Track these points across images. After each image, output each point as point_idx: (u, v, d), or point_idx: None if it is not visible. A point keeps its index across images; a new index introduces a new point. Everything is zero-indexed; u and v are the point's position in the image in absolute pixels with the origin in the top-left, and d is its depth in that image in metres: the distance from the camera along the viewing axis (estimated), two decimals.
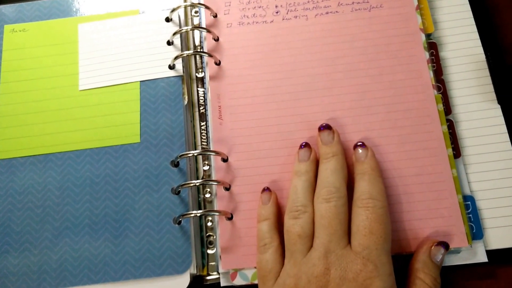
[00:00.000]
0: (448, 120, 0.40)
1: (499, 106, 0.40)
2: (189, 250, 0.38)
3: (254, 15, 0.43)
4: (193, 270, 0.37)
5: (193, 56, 0.44)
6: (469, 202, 0.38)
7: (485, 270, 0.37)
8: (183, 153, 0.38)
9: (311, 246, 0.33)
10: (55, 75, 0.43)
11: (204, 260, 0.39)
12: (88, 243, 0.38)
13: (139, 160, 0.40)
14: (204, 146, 0.41)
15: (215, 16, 0.44)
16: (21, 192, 0.40)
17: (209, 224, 0.39)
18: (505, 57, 0.44)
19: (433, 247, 0.34)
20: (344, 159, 0.36)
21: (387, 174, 0.38)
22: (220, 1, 0.44)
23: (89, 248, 0.38)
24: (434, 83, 0.40)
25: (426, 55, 0.41)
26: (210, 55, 0.42)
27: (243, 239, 0.37)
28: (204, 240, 0.39)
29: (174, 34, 0.42)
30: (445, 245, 0.34)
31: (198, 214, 0.37)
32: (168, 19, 0.44)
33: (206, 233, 0.39)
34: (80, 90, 0.43)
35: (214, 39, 0.43)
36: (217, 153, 0.39)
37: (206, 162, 0.40)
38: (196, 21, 0.45)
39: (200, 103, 0.42)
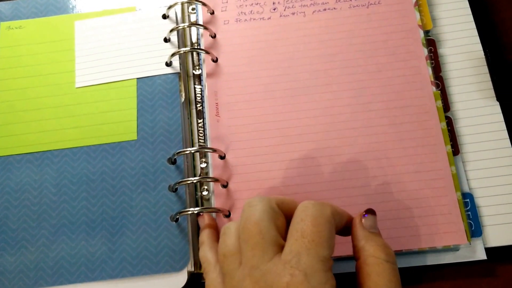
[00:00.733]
0: (446, 117, 0.39)
1: (498, 103, 0.39)
2: (187, 248, 0.37)
3: (251, 12, 0.42)
4: (190, 267, 0.36)
5: (190, 53, 0.43)
6: (468, 200, 0.37)
7: (484, 268, 0.36)
8: (180, 150, 0.38)
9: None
10: (51, 72, 0.42)
11: None
12: (85, 240, 0.38)
13: (136, 158, 0.39)
14: (201, 144, 0.40)
15: (212, 13, 0.43)
16: (18, 189, 0.39)
17: None
18: (504, 54, 0.43)
19: (363, 220, 0.30)
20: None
21: (385, 172, 0.37)
22: None
23: (86, 246, 0.37)
24: (432, 80, 0.39)
25: (425, 51, 0.40)
26: (207, 52, 0.41)
27: None
28: None
29: (171, 31, 0.42)
30: (371, 211, 0.30)
31: (196, 212, 0.36)
32: (165, 16, 0.43)
33: None
34: (77, 87, 0.42)
35: (211, 36, 0.42)
36: (214, 150, 0.38)
37: (204, 160, 0.40)
38: (193, 18, 0.44)
39: (197, 100, 0.41)
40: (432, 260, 0.36)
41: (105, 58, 0.42)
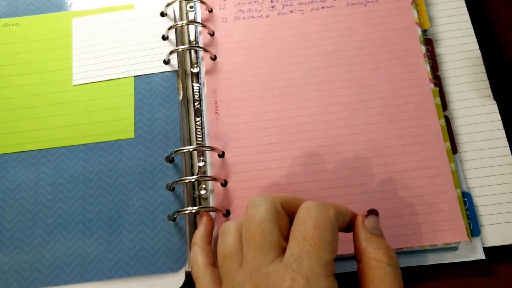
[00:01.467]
0: (444, 116, 0.38)
1: (495, 102, 0.39)
2: (184, 248, 0.36)
3: (249, 10, 0.41)
4: (188, 268, 0.35)
5: (188, 51, 0.42)
6: (466, 199, 0.36)
7: (482, 267, 0.36)
8: (178, 148, 0.37)
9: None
10: (48, 69, 0.41)
11: None
12: (81, 240, 0.36)
13: (133, 156, 0.38)
14: (199, 142, 0.39)
15: (211, 11, 0.42)
16: (13, 188, 0.38)
17: None
18: (501, 53, 0.42)
19: (365, 220, 0.29)
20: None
21: (385, 169, 0.36)
22: None
23: (82, 246, 0.36)
24: (430, 78, 0.38)
25: (423, 49, 0.39)
26: (205, 50, 0.40)
27: None
28: None
29: (169, 28, 0.41)
30: (373, 212, 0.29)
31: (193, 211, 0.35)
32: (163, 14, 0.42)
33: None
34: (74, 85, 0.41)
35: (210, 34, 0.41)
36: (213, 148, 0.37)
37: (201, 158, 0.38)
38: (191, 16, 0.43)
39: (195, 98, 0.40)
40: (431, 259, 0.35)
41: (102, 55, 0.41)
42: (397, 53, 0.39)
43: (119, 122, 0.39)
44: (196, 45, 0.41)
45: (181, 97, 0.40)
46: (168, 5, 0.41)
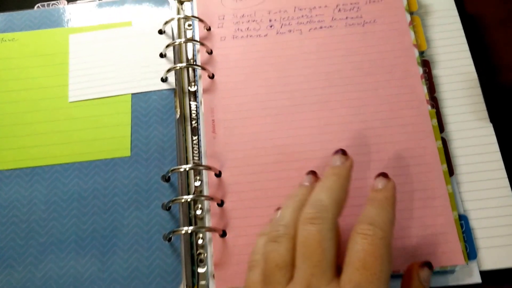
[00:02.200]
0: (441, 138, 0.40)
1: (491, 124, 0.40)
2: (179, 268, 0.36)
3: (248, 29, 0.43)
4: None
5: (186, 69, 0.43)
6: (463, 221, 0.37)
7: None
8: (175, 167, 0.38)
9: (292, 276, 0.29)
10: (44, 86, 0.42)
11: (194, 278, 0.37)
12: (74, 260, 0.37)
13: (129, 175, 0.39)
14: (196, 161, 0.40)
15: (209, 29, 0.43)
16: (6, 206, 0.39)
17: (200, 241, 0.38)
18: (497, 75, 0.44)
19: (420, 271, 0.31)
20: (347, 184, 0.32)
21: None
22: (214, 14, 0.44)
23: (75, 265, 0.37)
24: (427, 99, 0.40)
25: (420, 70, 0.41)
26: (203, 68, 0.41)
27: (237, 256, 0.36)
28: (195, 258, 0.38)
29: (167, 46, 0.42)
30: (429, 265, 0.32)
31: (189, 231, 0.36)
32: (161, 32, 0.44)
33: (197, 250, 0.38)
34: (70, 102, 0.42)
35: (208, 52, 0.42)
36: (209, 168, 0.38)
37: (198, 178, 0.40)
38: (189, 34, 0.45)
39: (192, 117, 0.42)
40: None
41: (99, 72, 0.42)
42: (395, 74, 0.41)
43: (115, 140, 0.40)
44: (194, 63, 0.43)
45: (178, 116, 0.41)
46: (166, 23, 0.43)
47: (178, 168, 0.38)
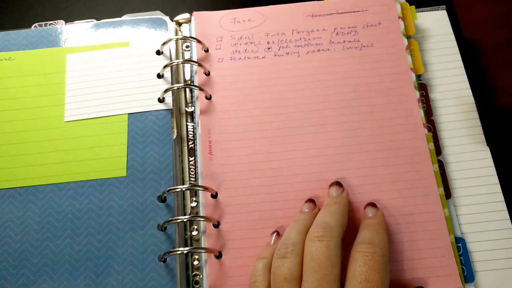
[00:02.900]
0: (438, 161, 0.41)
1: (488, 148, 0.42)
2: None
3: (245, 51, 0.45)
4: None
5: (183, 90, 0.45)
6: (460, 244, 0.39)
7: None
8: (171, 188, 0.39)
9: None
10: (40, 105, 0.44)
11: None
12: (68, 281, 0.38)
13: (125, 195, 0.41)
14: (192, 182, 0.42)
15: (207, 51, 0.45)
16: None
17: (196, 263, 0.39)
18: (493, 100, 0.46)
19: None
20: (346, 211, 0.37)
21: None
22: (212, 36, 0.46)
23: (68, 287, 0.38)
24: (424, 123, 0.42)
25: (417, 94, 0.43)
26: (200, 89, 0.43)
27: (232, 278, 0.37)
28: (190, 280, 0.39)
29: (165, 67, 0.44)
30: None
31: (185, 251, 0.37)
32: (158, 52, 0.45)
33: (192, 272, 0.39)
34: (66, 122, 0.43)
35: (205, 74, 0.44)
36: (206, 188, 0.39)
37: (194, 199, 0.41)
38: (187, 55, 0.47)
39: (189, 137, 0.43)
40: None
41: (96, 92, 0.44)
42: (392, 97, 0.43)
43: (111, 160, 0.42)
44: (192, 84, 0.45)
45: (175, 136, 0.43)
46: (164, 43, 0.45)
47: (174, 189, 0.39)
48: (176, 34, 0.47)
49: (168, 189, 0.39)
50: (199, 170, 0.41)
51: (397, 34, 0.45)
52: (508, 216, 0.40)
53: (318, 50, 0.45)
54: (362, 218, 0.37)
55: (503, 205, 0.40)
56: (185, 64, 0.46)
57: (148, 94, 0.44)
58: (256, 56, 0.45)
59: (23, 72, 0.45)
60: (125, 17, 0.48)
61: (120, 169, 0.41)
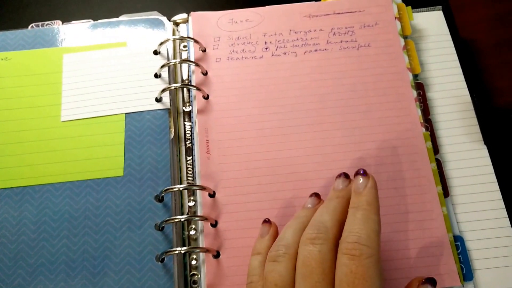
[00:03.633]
0: (436, 160, 0.41)
1: (485, 146, 0.42)
2: None
3: (243, 51, 0.45)
4: None
5: (180, 90, 0.45)
6: (459, 243, 0.39)
7: None
8: (168, 187, 0.39)
9: None
10: (36, 105, 0.44)
11: None
12: (64, 281, 0.38)
13: (122, 195, 0.40)
14: (189, 181, 0.42)
15: (204, 51, 0.45)
16: None
17: (194, 262, 0.39)
18: (490, 99, 0.46)
19: (420, 286, 0.31)
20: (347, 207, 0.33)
21: None
22: (209, 35, 0.46)
23: (65, 287, 0.38)
24: (422, 122, 0.42)
25: (414, 93, 0.43)
26: (198, 89, 0.43)
27: (230, 278, 0.37)
28: (188, 280, 0.39)
29: (162, 67, 0.44)
30: (432, 282, 0.31)
31: (183, 251, 0.37)
32: (156, 52, 0.45)
33: (190, 272, 0.39)
34: (62, 121, 0.43)
35: (203, 73, 0.44)
36: (203, 188, 0.39)
37: (192, 198, 0.41)
38: (184, 55, 0.47)
39: (186, 137, 0.43)
40: None
41: (93, 92, 0.44)
42: (389, 97, 0.43)
43: (108, 160, 0.42)
44: (189, 83, 0.45)
45: (172, 136, 0.43)
46: (161, 43, 0.45)
47: (172, 188, 0.39)
48: (174, 34, 0.47)
49: (166, 188, 0.39)
50: (196, 169, 0.41)
51: (394, 34, 0.46)
52: (506, 214, 0.40)
53: (316, 50, 0.45)
54: (351, 190, 0.33)
55: (501, 203, 0.40)
56: (183, 64, 0.46)
57: (145, 94, 0.44)
58: (254, 56, 0.45)
59: (20, 72, 0.45)
60: (122, 17, 0.48)
61: (117, 168, 0.41)
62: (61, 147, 0.42)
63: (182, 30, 0.48)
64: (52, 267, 0.38)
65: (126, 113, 0.43)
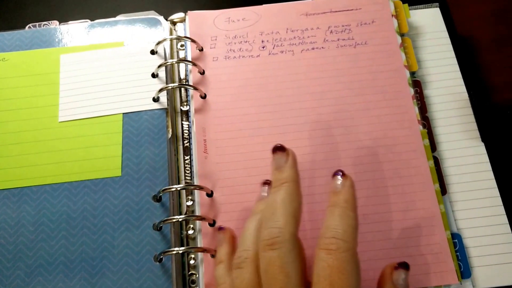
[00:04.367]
0: (433, 157, 0.41)
1: (483, 143, 0.42)
2: None
3: (240, 50, 0.45)
4: None
5: (178, 89, 0.44)
6: (456, 240, 0.38)
7: None
8: (166, 187, 0.39)
9: None
10: (34, 106, 0.43)
11: None
12: (63, 282, 0.38)
13: (120, 195, 0.40)
14: (187, 181, 0.41)
15: (201, 50, 0.45)
16: None
17: (192, 262, 0.39)
18: (488, 96, 0.46)
19: (393, 272, 0.31)
20: (298, 188, 0.32)
21: (374, 210, 0.38)
22: (206, 35, 0.45)
23: None
24: (419, 119, 0.41)
25: (411, 91, 0.42)
26: (195, 88, 0.42)
27: None
28: (186, 279, 0.38)
29: (159, 66, 0.43)
30: (404, 266, 0.31)
31: (181, 251, 0.37)
32: (153, 52, 0.45)
33: (189, 271, 0.39)
34: (60, 122, 0.43)
35: (200, 73, 0.44)
36: (201, 187, 0.39)
37: (190, 197, 0.41)
38: (181, 54, 0.46)
39: (184, 136, 0.43)
40: None
41: (90, 92, 0.43)
42: (386, 94, 0.42)
43: (105, 160, 0.41)
44: (186, 83, 0.44)
45: (170, 135, 0.42)
46: (158, 43, 0.44)
47: (170, 188, 0.38)
48: (171, 33, 0.47)
49: (163, 188, 0.39)
50: (194, 169, 0.41)
51: (391, 32, 0.45)
52: (504, 211, 0.39)
53: (313, 48, 0.45)
54: (329, 192, 0.32)
55: (499, 200, 0.40)
56: (180, 63, 0.45)
57: (142, 94, 0.43)
58: (251, 55, 0.45)
59: (17, 73, 0.44)
60: (119, 17, 0.47)
61: (115, 169, 0.41)
62: (58, 148, 0.42)
63: (179, 29, 0.47)
64: (51, 268, 0.38)
65: (123, 113, 0.43)
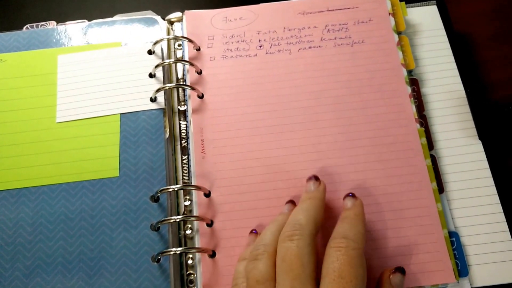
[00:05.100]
0: (431, 156, 0.41)
1: (480, 141, 0.42)
2: None
3: (237, 49, 0.44)
4: None
5: (175, 89, 0.44)
6: (454, 238, 0.38)
7: None
8: (164, 187, 0.38)
9: None
10: (32, 106, 0.43)
11: None
12: (61, 283, 0.37)
13: (117, 195, 0.40)
14: (185, 181, 0.41)
15: (198, 50, 0.44)
16: None
17: (190, 262, 0.38)
18: (485, 93, 0.45)
19: (391, 276, 0.33)
20: (321, 205, 0.34)
21: (372, 209, 0.38)
22: (203, 34, 0.45)
23: None
24: (416, 118, 0.41)
25: (408, 89, 0.42)
26: (192, 88, 0.42)
27: (226, 277, 0.37)
28: (184, 279, 0.38)
29: (156, 66, 0.43)
30: (401, 270, 0.33)
31: (178, 252, 0.36)
32: (150, 52, 0.44)
33: (187, 271, 0.38)
34: (58, 123, 0.42)
35: (197, 72, 0.43)
36: (199, 188, 0.38)
37: (188, 197, 0.40)
38: (179, 54, 0.46)
39: (182, 136, 0.42)
40: None
41: (88, 93, 0.43)
42: (383, 93, 0.42)
43: (103, 161, 0.41)
44: (184, 83, 0.44)
45: (167, 135, 0.42)
46: (156, 43, 0.44)
47: (167, 189, 0.38)
48: (168, 33, 0.46)
49: (161, 189, 0.38)
50: (192, 169, 0.41)
51: (388, 30, 0.45)
52: (501, 210, 0.39)
53: (310, 47, 0.44)
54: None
55: (496, 198, 0.39)
56: (177, 63, 0.45)
57: (140, 94, 0.43)
58: (248, 54, 0.44)
59: (14, 73, 0.44)
60: (116, 17, 0.47)
61: (112, 169, 0.40)
62: (56, 149, 0.41)
63: (177, 29, 0.47)
64: (49, 268, 0.38)
65: (121, 114, 0.42)
